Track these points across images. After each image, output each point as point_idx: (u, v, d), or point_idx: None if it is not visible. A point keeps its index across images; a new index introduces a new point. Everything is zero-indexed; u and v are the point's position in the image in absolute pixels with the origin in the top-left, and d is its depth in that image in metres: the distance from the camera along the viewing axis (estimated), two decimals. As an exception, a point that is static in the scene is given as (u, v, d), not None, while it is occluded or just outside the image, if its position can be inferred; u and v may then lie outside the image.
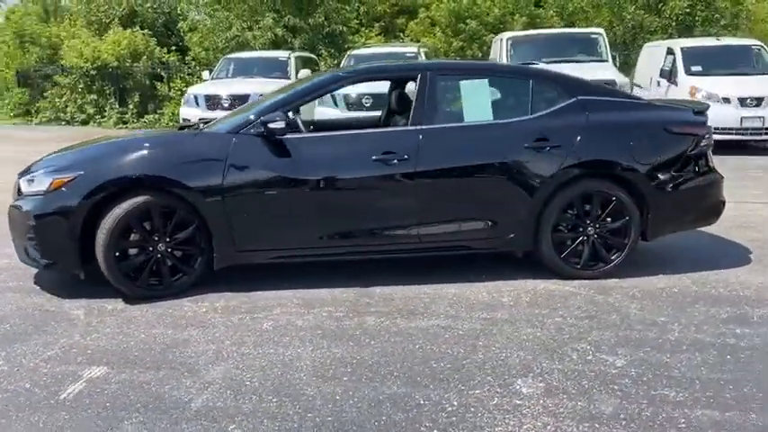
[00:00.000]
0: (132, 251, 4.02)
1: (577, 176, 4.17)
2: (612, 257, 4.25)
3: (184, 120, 11.48)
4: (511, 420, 2.64)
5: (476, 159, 4.16)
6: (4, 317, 3.85)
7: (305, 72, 11.43)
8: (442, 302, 3.92)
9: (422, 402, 2.78)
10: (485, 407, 2.74)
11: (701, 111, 4.42)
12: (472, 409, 2.71)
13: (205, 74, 13.85)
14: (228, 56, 14.27)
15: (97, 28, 20.51)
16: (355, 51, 13.10)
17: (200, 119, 8.07)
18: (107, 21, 20.61)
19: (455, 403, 2.77)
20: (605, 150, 4.21)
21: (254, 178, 4.03)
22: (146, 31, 19.42)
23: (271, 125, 3.94)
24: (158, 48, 19.01)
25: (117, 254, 3.93)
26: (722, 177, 4.47)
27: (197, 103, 11.75)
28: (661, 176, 4.21)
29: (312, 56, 15.30)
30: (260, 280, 4.31)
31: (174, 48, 20.57)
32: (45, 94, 18.32)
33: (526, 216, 4.17)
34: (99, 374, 3.11)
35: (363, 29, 21.23)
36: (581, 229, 4.23)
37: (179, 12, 21.75)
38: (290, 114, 4.18)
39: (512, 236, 4.22)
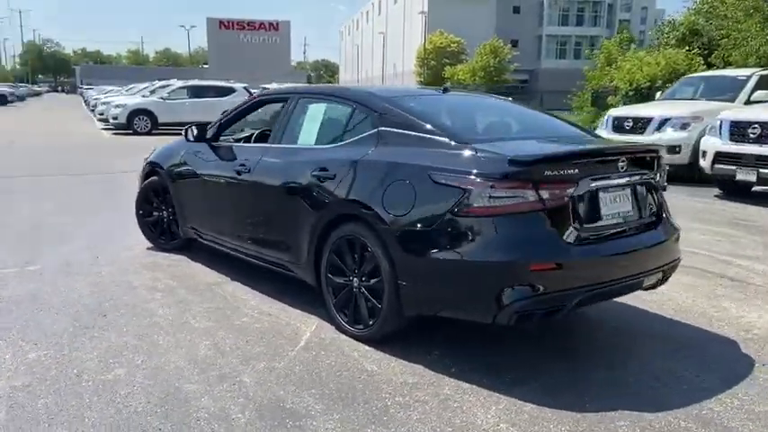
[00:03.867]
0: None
1: (342, 216, 3.73)
2: (370, 322, 3.60)
3: None
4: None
5: (278, 180, 4.22)
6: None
7: (761, 93, 10.26)
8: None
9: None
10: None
11: (517, 161, 3.14)
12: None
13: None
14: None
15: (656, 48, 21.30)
16: None
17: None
18: (664, 41, 21.64)
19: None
20: (362, 191, 3.58)
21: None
22: (696, 50, 19.37)
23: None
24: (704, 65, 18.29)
25: None
26: (513, 262, 3.08)
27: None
28: (410, 235, 3.32)
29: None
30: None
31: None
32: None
33: (308, 249, 3.93)
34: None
35: None
36: (349, 278, 3.72)
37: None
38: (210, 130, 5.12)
39: (304, 266, 4.04)
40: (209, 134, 5.08)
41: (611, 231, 3.46)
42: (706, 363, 3.53)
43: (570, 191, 3.22)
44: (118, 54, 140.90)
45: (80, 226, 6.66)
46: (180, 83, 21.10)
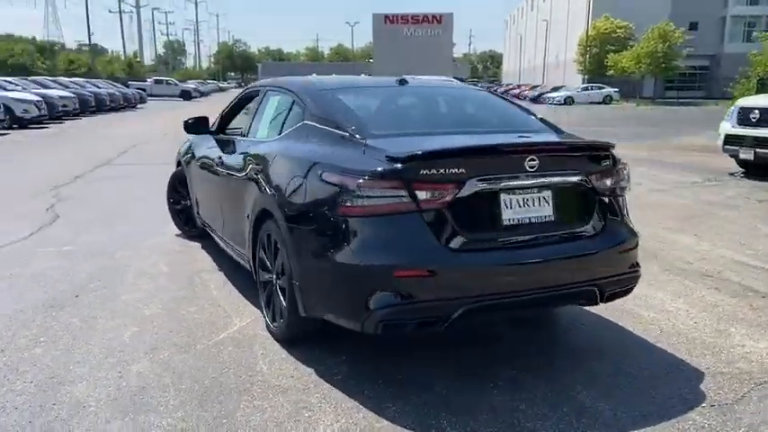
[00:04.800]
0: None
1: (263, 211, 3.58)
2: (281, 321, 3.48)
3: None
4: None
5: (233, 173, 4.23)
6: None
7: None
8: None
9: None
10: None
11: (393, 157, 2.85)
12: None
13: None
14: None
15: None
16: None
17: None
18: None
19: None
20: (273, 186, 3.49)
21: None
22: None
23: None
24: None
25: None
26: (378, 267, 2.82)
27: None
28: (299, 234, 3.19)
29: None
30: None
31: None
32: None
33: (249, 245, 3.87)
34: None
35: None
36: (271, 275, 3.61)
37: None
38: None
39: (250, 262, 3.96)
40: (214, 126, 5.23)
41: (517, 238, 3.03)
42: (637, 396, 2.97)
43: (453, 192, 2.86)
44: (297, 51, 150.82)
45: (150, 212, 7.10)
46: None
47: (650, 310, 4.12)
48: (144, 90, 48.77)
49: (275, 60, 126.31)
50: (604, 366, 3.31)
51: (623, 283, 3.33)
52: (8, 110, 18.23)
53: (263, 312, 3.80)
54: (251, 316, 3.98)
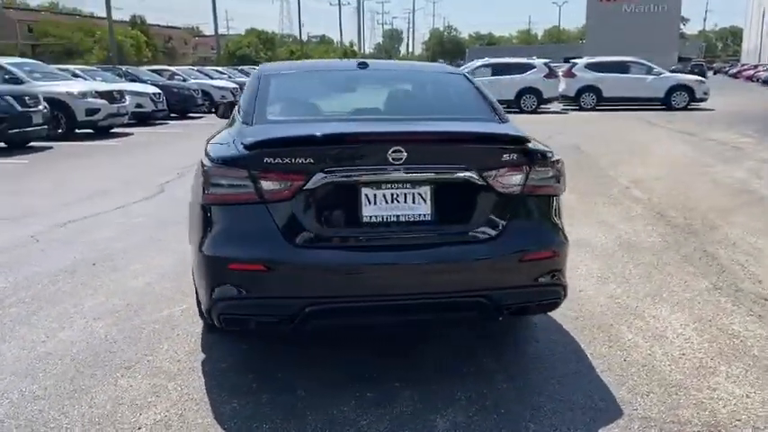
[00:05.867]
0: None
1: None
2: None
3: None
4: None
5: None
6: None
7: None
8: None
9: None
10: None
11: (245, 145, 2.74)
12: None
13: None
14: None
15: None
16: None
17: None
18: None
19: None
20: None
21: None
22: None
23: None
24: None
25: None
26: (216, 258, 2.72)
27: None
28: (189, 217, 3.21)
29: None
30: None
31: None
32: None
33: None
34: None
35: None
36: None
37: None
38: None
39: None
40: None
41: (380, 238, 2.72)
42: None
43: (299, 183, 2.64)
44: (510, 35, 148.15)
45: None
46: (481, 61, 21.43)
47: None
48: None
49: (486, 45, 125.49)
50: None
51: (532, 296, 2.84)
52: (206, 95, 20.65)
53: None
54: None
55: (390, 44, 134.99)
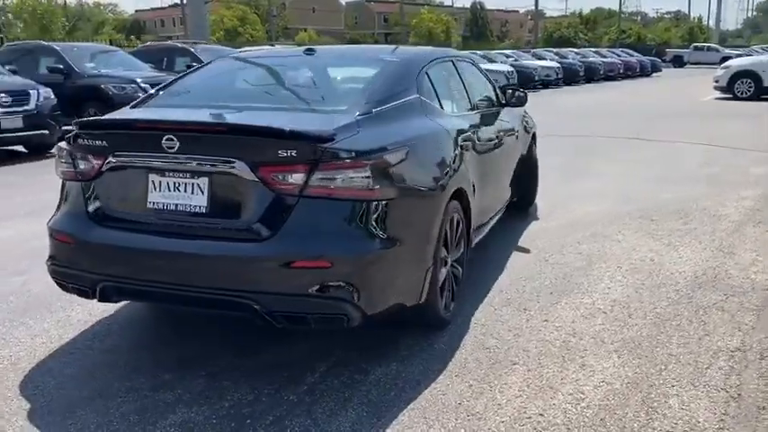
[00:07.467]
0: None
1: None
2: None
3: None
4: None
5: None
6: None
7: None
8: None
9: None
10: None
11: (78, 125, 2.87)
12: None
13: None
14: None
15: None
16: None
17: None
18: None
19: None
20: None
21: None
22: None
23: None
24: None
25: None
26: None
27: None
28: None
29: None
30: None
31: None
32: None
33: None
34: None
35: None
36: None
37: None
38: None
39: None
40: None
41: (159, 224, 2.71)
42: None
43: (98, 165, 2.80)
44: None
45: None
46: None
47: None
48: (681, 57, 46.50)
49: None
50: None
51: (307, 307, 2.54)
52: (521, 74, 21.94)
53: None
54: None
55: (765, 19, 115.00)
